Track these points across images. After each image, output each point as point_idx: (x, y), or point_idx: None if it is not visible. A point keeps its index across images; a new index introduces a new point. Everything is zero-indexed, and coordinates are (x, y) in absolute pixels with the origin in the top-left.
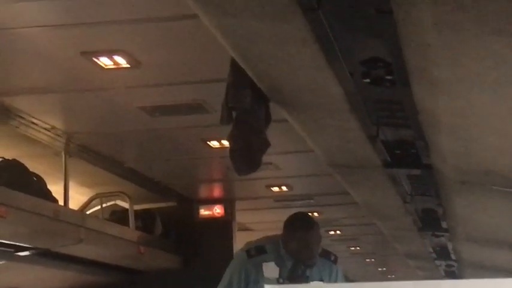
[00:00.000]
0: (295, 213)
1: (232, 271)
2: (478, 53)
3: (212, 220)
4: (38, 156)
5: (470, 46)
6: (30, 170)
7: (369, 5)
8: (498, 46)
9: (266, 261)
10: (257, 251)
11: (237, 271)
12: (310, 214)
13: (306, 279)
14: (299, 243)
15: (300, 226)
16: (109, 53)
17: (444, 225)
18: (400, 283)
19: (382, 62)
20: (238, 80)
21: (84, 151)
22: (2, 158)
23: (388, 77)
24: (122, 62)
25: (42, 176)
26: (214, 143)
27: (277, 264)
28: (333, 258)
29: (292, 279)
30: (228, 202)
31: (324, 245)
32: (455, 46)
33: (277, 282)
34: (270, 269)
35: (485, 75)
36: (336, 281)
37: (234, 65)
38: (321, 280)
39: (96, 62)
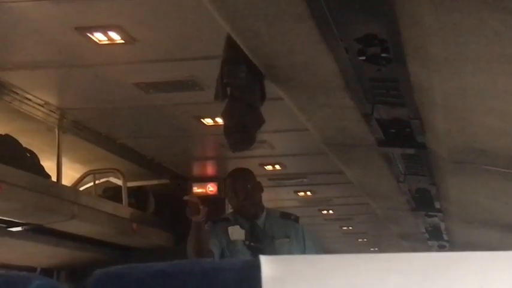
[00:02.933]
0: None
1: None
2: (475, 31)
3: (205, 198)
4: (31, 132)
5: (467, 24)
6: (24, 145)
7: None
8: (495, 24)
9: (231, 226)
10: (220, 219)
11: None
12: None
13: (271, 239)
14: (232, 194)
15: (228, 177)
16: (103, 29)
17: (437, 205)
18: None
19: (378, 39)
20: (234, 56)
21: (78, 127)
22: None
23: (384, 55)
24: (116, 37)
25: (36, 151)
26: (208, 121)
27: (240, 229)
28: (293, 217)
29: (256, 240)
30: (221, 180)
31: (316, 224)
32: (452, 24)
33: (244, 244)
34: (236, 232)
35: (481, 53)
36: (303, 238)
37: (229, 41)
38: (287, 237)
39: (90, 38)
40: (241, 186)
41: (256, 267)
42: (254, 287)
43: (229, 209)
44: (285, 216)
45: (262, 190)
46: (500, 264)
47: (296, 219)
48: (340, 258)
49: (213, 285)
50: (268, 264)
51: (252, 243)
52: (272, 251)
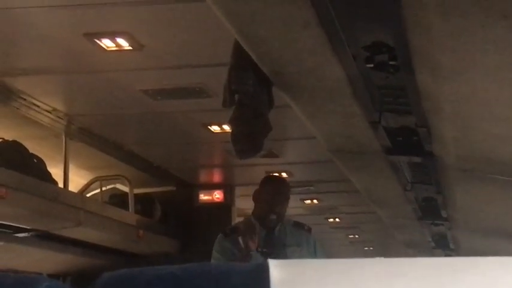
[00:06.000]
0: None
1: (215, 251)
2: (482, 38)
3: (211, 205)
4: (38, 138)
5: (475, 31)
6: (31, 151)
7: None
8: (502, 31)
9: (241, 236)
10: (231, 230)
11: (218, 250)
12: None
13: (283, 248)
14: (265, 202)
15: (269, 179)
16: (111, 35)
17: (444, 214)
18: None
19: (385, 46)
20: (241, 63)
21: (85, 133)
22: (2, 139)
23: (392, 62)
24: (124, 44)
25: (43, 158)
26: (215, 128)
27: (254, 237)
28: (306, 227)
29: (269, 248)
30: (227, 187)
31: (323, 232)
32: (460, 31)
33: (257, 250)
34: (248, 242)
35: (488, 61)
36: (314, 249)
37: (237, 47)
38: (299, 246)
39: (98, 44)
40: (279, 198)
41: (265, 271)
42: None
43: (235, 217)
44: (298, 225)
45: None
46: (506, 270)
47: (309, 230)
48: (347, 262)
49: None
50: (276, 268)
51: (264, 250)
52: (283, 258)
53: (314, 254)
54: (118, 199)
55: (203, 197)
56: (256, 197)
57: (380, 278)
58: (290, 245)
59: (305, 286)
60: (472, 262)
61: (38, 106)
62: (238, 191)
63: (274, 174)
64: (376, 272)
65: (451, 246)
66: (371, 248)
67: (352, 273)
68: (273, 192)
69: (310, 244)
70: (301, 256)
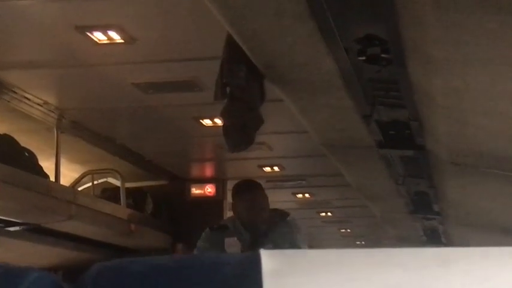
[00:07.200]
0: (238, 182)
1: (199, 245)
2: (475, 32)
3: (203, 199)
4: (29, 132)
5: (467, 25)
6: (22, 145)
7: None
8: (495, 25)
9: (228, 237)
10: (219, 227)
11: (202, 245)
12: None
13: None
14: (245, 207)
15: (242, 190)
16: (103, 28)
17: (436, 208)
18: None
19: (378, 39)
20: (233, 56)
21: (77, 127)
22: None
23: (384, 56)
24: (116, 37)
25: (34, 151)
26: (207, 122)
27: (239, 240)
28: (289, 217)
29: (253, 249)
30: (219, 181)
31: (315, 226)
32: (452, 25)
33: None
34: (232, 245)
35: (481, 55)
36: (294, 242)
37: (229, 40)
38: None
39: (90, 37)
40: (261, 201)
41: (257, 261)
42: (254, 281)
43: (227, 210)
44: (281, 215)
45: None
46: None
47: (293, 221)
48: (340, 252)
49: (213, 279)
50: (268, 258)
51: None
52: None
53: (294, 237)
54: (110, 193)
55: (195, 191)
56: (235, 210)
57: (371, 268)
58: (276, 245)
59: (297, 276)
60: (463, 252)
61: (30, 99)
62: (230, 185)
63: (245, 180)
64: (367, 262)
65: (443, 240)
66: (363, 242)
67: (343, 263)
68: (251, 203)
69: (289, 240)
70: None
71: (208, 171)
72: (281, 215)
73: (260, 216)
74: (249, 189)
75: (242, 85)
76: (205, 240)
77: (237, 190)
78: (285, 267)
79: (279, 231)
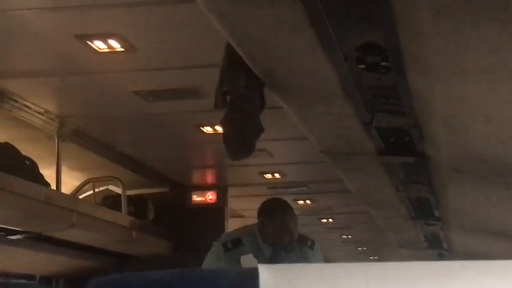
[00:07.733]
0: (268, 199)
1: (209, 264)
2: (474, 40)
3: (204, 206)
4: (30, 140)
5: (466, 33)
6: (23, 153)
7: None
8: (494, 34)
9: (243, 254)
10: (234, 244)
11: (215, 265)
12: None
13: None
14: (278, 227)
15: (277, 210)
16: (103, 37)
17: (437, 214)
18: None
19: (377, 48)
20: (233, 64)
21: (77, 135)
22: None
23: (384, 64)
24: (116, 46)
25: (35, 159)
26: (207, 129)
27: (256, 256)
28: (309, 243)
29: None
30: (220, 188)
31: (316, 232)
32: (451, 33)
33: None
34: (249, 262)
35: (480, 63)
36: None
37: (229, 48)
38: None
39: (90, 46)
40: (294, 223)
41: (255, 275)
42: None
43: (228, 217)
44: (302, 241)
45: None
46: (499, 273)
47: (312, 245)
48: (337, 266)
49: None
50: (266, 273)
51: None
52: None
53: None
54: (111, 200)
55: (196, 198)
56: (262, 228)
57: (372, 283)
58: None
59: None
60: (465, 266)
61: (30, 108)
62: (231, 191)
63: (276, 199)
64: (368, 276)
65: (444, 246)
66: (364, 248)
67: (343, 278)
68: (283, 225)
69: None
70: None
71: (209, 178)
72: (304, 241)
73: (291, 237)
74: (282, 211)
75: (242, 93)
76: (218, 259)
77: (271, 209)
78: (283, 281)
79: (299, 250)
